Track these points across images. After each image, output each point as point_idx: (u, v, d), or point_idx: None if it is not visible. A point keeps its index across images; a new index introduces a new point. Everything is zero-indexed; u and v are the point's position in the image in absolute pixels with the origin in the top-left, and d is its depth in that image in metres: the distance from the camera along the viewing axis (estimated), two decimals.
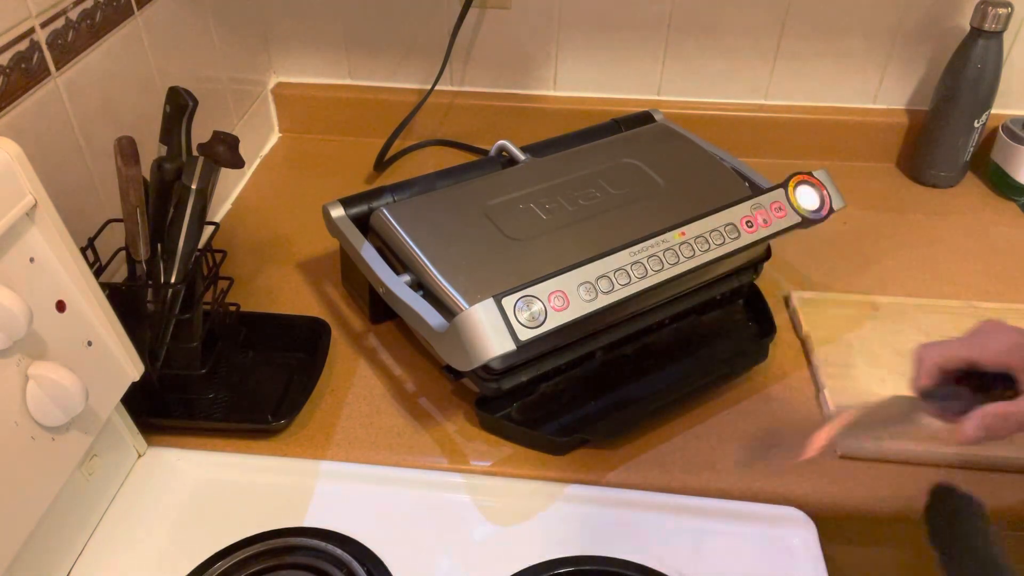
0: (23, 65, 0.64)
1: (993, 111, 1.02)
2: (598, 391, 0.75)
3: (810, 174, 0.77)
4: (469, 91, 1.14)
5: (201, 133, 0.70)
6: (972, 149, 1.04)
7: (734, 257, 0.72)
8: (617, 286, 0.65)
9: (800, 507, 0.66)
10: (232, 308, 0.78)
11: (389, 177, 1.10)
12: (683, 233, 0.69)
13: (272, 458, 0.70)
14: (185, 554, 0.62)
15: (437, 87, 1.10)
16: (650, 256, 0.67)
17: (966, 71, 0.98)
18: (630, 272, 0.66)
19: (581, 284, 0.64)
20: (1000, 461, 0.68)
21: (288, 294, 0.88)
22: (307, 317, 0.82)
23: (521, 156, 0.86)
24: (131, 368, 0.63)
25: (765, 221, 0.73)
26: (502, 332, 0.60)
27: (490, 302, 0.61)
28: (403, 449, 0.71)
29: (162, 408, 0.73)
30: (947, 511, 0.50)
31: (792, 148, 1.11)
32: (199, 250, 0.71)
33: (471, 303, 0.62)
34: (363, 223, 0.78)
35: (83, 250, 0.60)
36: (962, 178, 1.08)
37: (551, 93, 1.14)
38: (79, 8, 0.71)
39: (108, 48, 0.76)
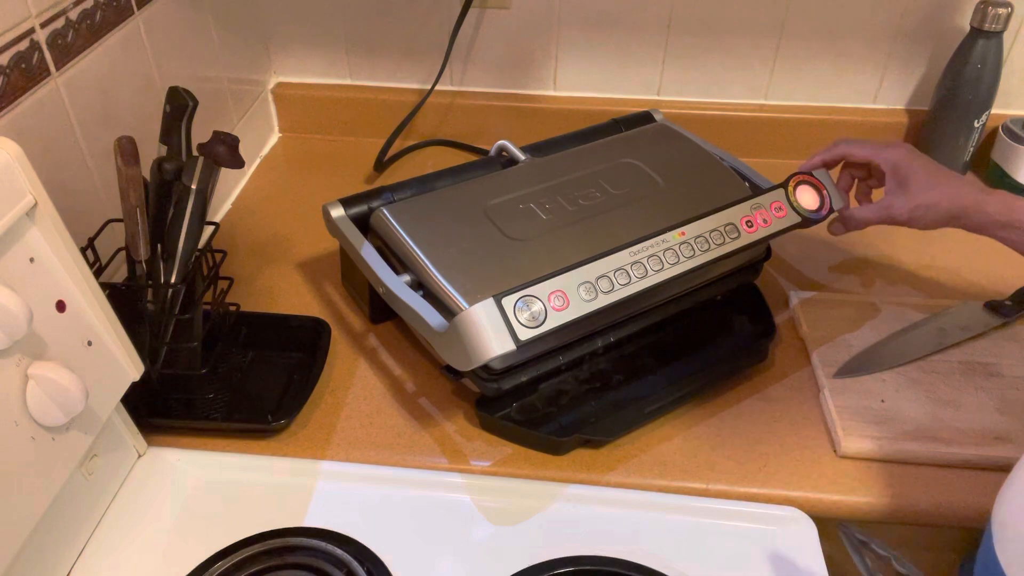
0: (23, 65, 0.64)
1: (993, 111, 1.02)
2: (598, 391, 0.75)
3: (810, 174, 0.77)
4: (469, 91, 1.14)
5: (201, 133, 0.70)
6: (972, 149, 1.04)
7: (734, 257, 0.72)
8: (617, 286, 0.65)
9: (800, 507, 0.66)
10: (232, 308, 0.78)
11: (389, 177, 1.10)
12: (683, 233, 0.69)
13: (272, 458, 0.70)
14: (185, 554, 0.62)
15: (437, 87, 1.10)
16: (650, 256, 0.67)
17: (966, 71, 0.98)
18: (630, 272, 0.66)
19: (581, 284, 0.64)
20: (1000, 461, 0.68)
21: (288, 294, 0.88)
22: (307, 317, 0.82)
23: (521, 156, 0.86)
24: (131, 368, 0.63)
25: (765, 221, 0.73)
26: (502, 332, 0.60)
27: (490, 302, 0.61)
28: (403, 449, 0.71)
29: (162, 408, 0.73)
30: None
31: (792, 148, 1.11)
32: (199, 250, 0.71)
33: (471, 303, 0.62)
34: (363, 223, 0.78)
35: (83, 250, 0.60)
36: None
37: (551, 93, 1.14)
38: (79, 8, 0.71)
39: (108, 48, 0.76)
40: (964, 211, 0.71)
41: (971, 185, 0.72)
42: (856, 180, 0.83)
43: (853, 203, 0.82)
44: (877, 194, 0.80)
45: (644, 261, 0.67)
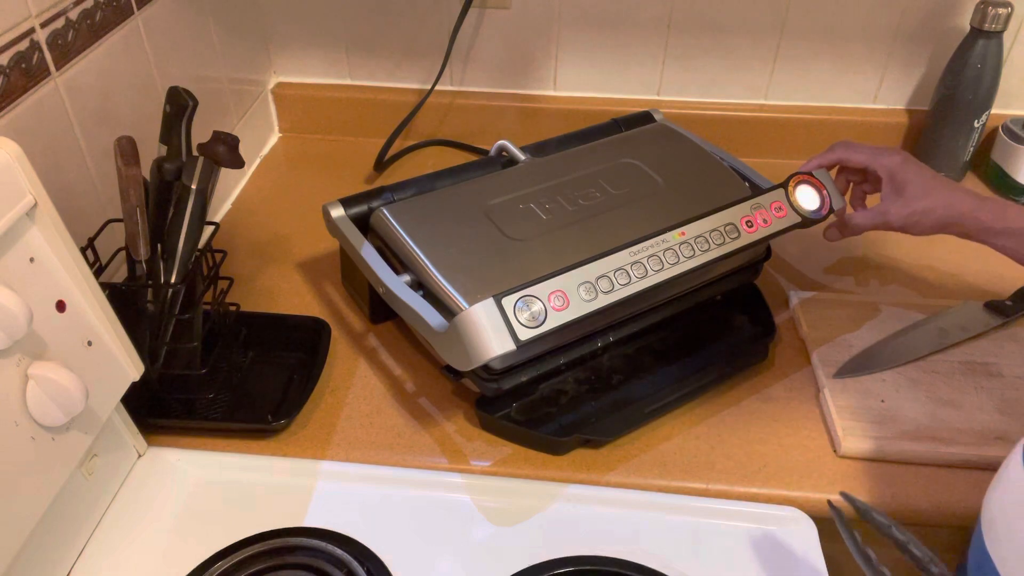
0: (23, 65, 0.64)
1: (993, 111, 1.02)
2: (598, 391, 0.75)
3: (810, 174, 0.77)
4: (469, 91, 1.14)
5: (201, 133, 0.70)
6: (972, 149, 1.04)
7: (734, 257, 0.72)
8: (617, 286, 0.65)
9: (800, 507, 0.66)
10: (232, 308, 0.78)
11: (389, 177, 1.10)
12: (683, 233, 0.69)
13: (272, 458, 0.70)
14: (185, 554, 0.62)
15: (437, 87, 1.10)
16: (650, 256, 0.67)
17: (966, 71, 0.98)
18: (630, 272, 0.66)
19: (581, 284, 0.64)
20: (1001, 461, 0.68)
21: (288, 294, 0.88)
22: (307, 317, 0.82)
23: (521, 156, 0.86)
24: (131, 368, 0.63)
25: (765, 221, 0.73)
26: (502, 332, 0.60)
27: (490, 302, 0.61)
28: (403, 449, 0.71)
29: (162, 408, 0.73)
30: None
31: (792, 148, 1.11)
32: (199, 250, 0.71)
33: (471, 303, 0.62)
34: (363, 223, 0.78)
35: (83, 250, 0.60)
36: (962, 178, 1.08)
37: (551, 93, 1.14)
38: (79, 8, 0.71)
39: (108, 48, 0.76)
40: (959, 217, 0.72)
41: (966, 192, 0.73)
42: (852, 184, 0.83)
43: (848, 208, 0.82)
44: (872, 200, 0.80)
45: (644, 261, 0.67)
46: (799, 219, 0.75)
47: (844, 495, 0.56)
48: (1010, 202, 0.72)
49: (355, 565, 0.61)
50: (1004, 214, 0.70)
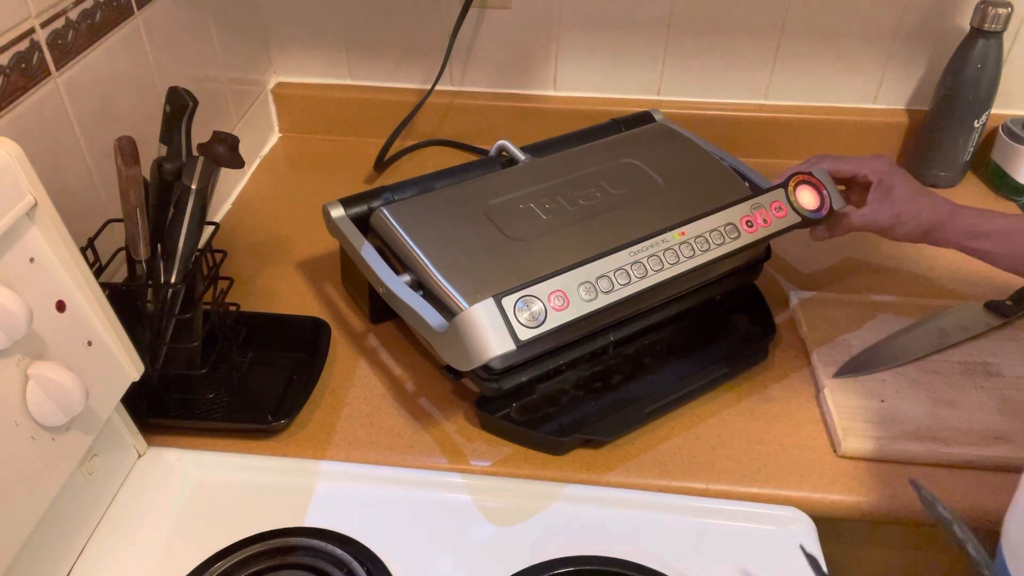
0: (23, 65, 0.64)
1: (993, 111, 1.02)
2: (598, 391, 0.75)
3: (810, 174, 0.77)
4: (469, 91, 1.14)
5: (201, 133, 0.70)
6: (972, 149, 1.04)
7: (734, 257, 0.72)
8: (617, 286, 0.65)
9: (800, 507, 0.66)
10: (232, 308, 0.78)
11: (389, 177, 1.10)
12: (683, 233, 0.69)
13: (272, 458, 0.70)
14: (185, 554, 0.62)
15: (437, 87, 1.10)
16: (650, 256, 0.67)
17: (966, 71, 0.98)
18: (630, 272, 0.66)
19: (581, 284, 0.64)
20: (1000, 461, 0.68)
21: (288, 294, 0.88)
22: (307, 317, 0.82)
23: (521, 156, 0.86)
24: (131, 368, 0.63)
25: (765, 221, 0.73)
26: (502, 332, 0.60)
27: (490, 302, 0.61)
28: (403, 449, 0.71)
29: (162, 408, 0.73)
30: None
31: (792, 148, 1.11)
32: (199, 250, 0.71)
33: (471, 303, 0.62)
34: (363, 223, 0.78)
35: (83, 250, 0.60)
36: (962, 178, 1.08)
37: (551, 93, 1.14)
38: (79, 8, 0.71)
39: (108, 48, 0.76)
40: (942, 222, 0.74)
41: (946, 200, 0.76)
42: None
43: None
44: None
45: (644, 261, 0.67)
46: (799, 219, 0.75)
47: (912, 482, 0.54)
48: (986, 208, 0.74)
49: (355, 565, 0.61)
50: (983, 216, 0.73)
